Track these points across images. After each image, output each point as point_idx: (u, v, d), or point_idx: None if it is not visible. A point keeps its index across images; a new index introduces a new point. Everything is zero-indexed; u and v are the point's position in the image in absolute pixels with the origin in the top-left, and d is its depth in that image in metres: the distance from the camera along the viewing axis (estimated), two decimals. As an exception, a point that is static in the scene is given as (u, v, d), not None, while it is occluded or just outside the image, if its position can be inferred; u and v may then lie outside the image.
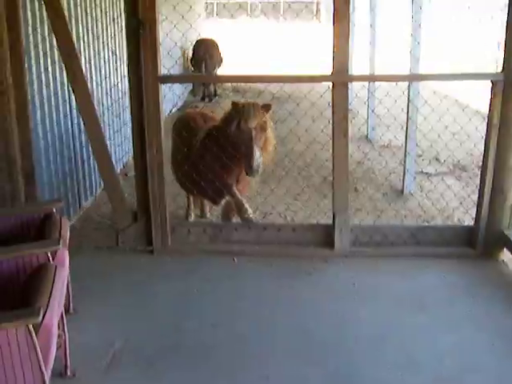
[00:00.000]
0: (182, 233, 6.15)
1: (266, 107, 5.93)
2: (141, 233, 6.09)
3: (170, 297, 5.34)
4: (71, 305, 4.81)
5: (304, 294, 5.39)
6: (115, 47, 9.29)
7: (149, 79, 5.55)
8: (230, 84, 15.14)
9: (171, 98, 12.70)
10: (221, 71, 15.04)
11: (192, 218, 7.59)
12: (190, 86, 15.59)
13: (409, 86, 7.94)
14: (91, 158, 7.03)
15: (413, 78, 7.58)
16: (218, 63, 15.21)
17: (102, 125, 6.04)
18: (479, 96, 8.45)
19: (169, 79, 6.37)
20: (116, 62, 9.14)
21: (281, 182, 8.05)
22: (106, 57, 8.72)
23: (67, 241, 4.31)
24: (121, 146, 9.26)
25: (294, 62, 18.15)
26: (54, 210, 4.57)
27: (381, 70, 10.34)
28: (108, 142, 6.17)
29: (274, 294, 5.40)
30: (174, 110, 13.57)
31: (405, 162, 8.96)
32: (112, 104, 8.61)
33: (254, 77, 6.52)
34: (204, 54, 14.68)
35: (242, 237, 6.16)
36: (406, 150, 8.72)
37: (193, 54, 15.19)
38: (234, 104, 5.93)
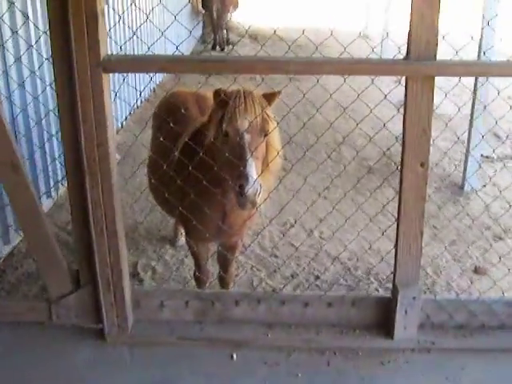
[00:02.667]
0: (150, 307, 3.73)
1: (269, 97, 3.48)
2: (85, 304, 3.69)
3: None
4: None
5: None
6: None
7: (84, 66, 3.03)
8: (245, 29, 12.37)
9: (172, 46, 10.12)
10: (236, 16, 12.18)
11: (179, 241, 5.38)
12: (198, 31, 12.90)
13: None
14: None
15: None
16: (232, 6, 12.37)
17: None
18: None
19: (121, 64, 3.22)
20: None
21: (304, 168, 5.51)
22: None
23: None
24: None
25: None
26: None
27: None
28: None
29: None
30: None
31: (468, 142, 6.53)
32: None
33: (280, 61, 3.19)
34: (216, -7, 11.80)
35: (247, 315, 3.74)
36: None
37: (203, -6, 12.34)
38: (216, 93, 3.41)
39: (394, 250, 4.64)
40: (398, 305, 3.56)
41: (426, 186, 3.37)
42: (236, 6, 12.59)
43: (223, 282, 4.46)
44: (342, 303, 3.71)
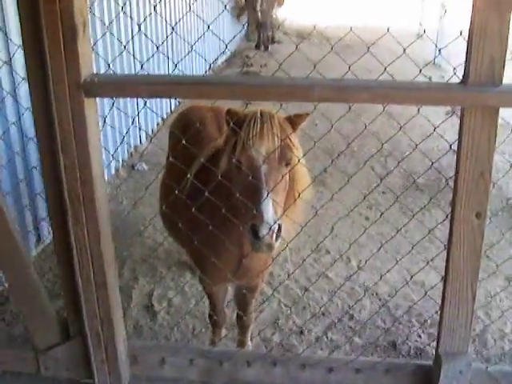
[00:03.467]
0: (150, 363, 3.17)
1: (295, 120, 2.84)
2: (76, 357, 3.15)
3: None
4: None
5: None
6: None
7: (62, 89, 2.46)
8: (293, 26, 11.66)
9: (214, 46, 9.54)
10: (281, 14, 11.47)
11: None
12: (240, 27, 12.22)
13: None
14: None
15: None
16: (277, 3, 11.63)
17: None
18: None
19: (108, 86, 2.57)
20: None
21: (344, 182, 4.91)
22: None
23: None
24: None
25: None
26: None
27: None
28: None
29: None
30: (219, 64, 10.40)
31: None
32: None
33: (301, 86, 2.49)
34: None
35: (260, 378, 3.14)
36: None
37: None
38: (229, 114, 2.80)
39: (440, 284, 4.01)
40: (441, 378, 2.90)
41: (483, 241, 2.70)
42: (281, 3, 11.87)
43: (242, 324, 3.87)
44: (374, 370, 3.07)
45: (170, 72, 8.14)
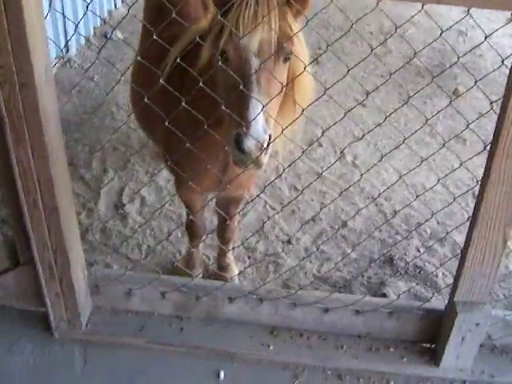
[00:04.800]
0: (114, 294, 2.67)
1: (297, 4, 2.12)
2: (26, 286, 2.62)
3: None
4: None
5: None
6: None
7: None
8: None
9: None
10: None
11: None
12: None
13: None
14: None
15: None
16: None
17: None
18: None
19: None
20: None
21: (339, 63, 4.28)
22: None
23: None
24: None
25: None
26: None
27: None
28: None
29: None
30: None
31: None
32: None
33: None
34: None
35: (244, 316, 2.66)
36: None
37: None
38: None
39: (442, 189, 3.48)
40: (454, 329, 2.44)
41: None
42: None
43: (223, 236, 3.36)
44: (375, 312, 2.60)
45: None
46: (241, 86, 2.03)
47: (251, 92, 2.04)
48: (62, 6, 5.11)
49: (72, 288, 2.51)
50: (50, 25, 4.87)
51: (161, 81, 2.22)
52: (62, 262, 2.43)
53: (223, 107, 2.11)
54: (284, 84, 2.17)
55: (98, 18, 5.83)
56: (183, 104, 2.20)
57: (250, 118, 2.01)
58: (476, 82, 2.25)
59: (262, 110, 2.02)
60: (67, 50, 5.40)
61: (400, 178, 2.60)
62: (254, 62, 2.06)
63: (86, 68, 5.26)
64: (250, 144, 2.00)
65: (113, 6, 6.22)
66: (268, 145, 2.05)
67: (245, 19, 2.05)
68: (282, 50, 2.10)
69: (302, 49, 2.22)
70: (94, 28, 5.83)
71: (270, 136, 2.06)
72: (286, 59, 2.15)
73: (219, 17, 2.07)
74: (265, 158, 2.09)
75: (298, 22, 2.19)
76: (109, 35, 5.80)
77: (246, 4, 2.06)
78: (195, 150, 2.34)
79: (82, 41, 5.64)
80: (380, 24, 6.51)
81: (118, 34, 5.84)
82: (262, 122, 2.02)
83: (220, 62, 2.10)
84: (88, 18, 5.58)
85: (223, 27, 2.11)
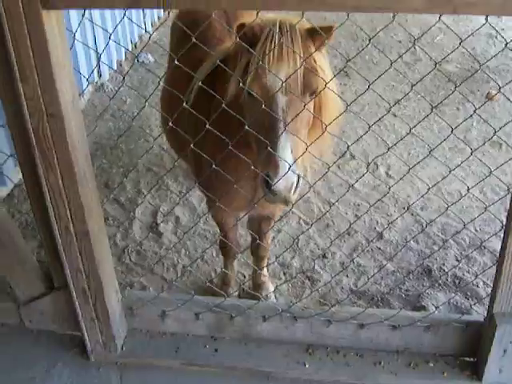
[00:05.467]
0: (149, 317, 2.65)
1: (320, 36, 2.06)
2: (62, 310, 2.62)
3: None
4: None
5: None
6: None
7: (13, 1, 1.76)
8: None
9: None
10: None
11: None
12: None
13: None
14: None
15: None
16: None
17: None
18: None
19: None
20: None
21: (370, 72, 4.24)
22: None
23: None
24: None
25: None
26: None
27: None
28: None
29: None
30: None
31: None
32: None
33: None
34: None
35: (278, 334, 2.62)
36: None
37: None
38: (239, 29, 2.06)
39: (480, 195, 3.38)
40: (495, 342, 2.35)
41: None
42: None
43: (257, 254, 3.32)
44: (412, 326, 2.52)
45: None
46: (268, 124, 2.03)
47: (279, 131, 2.03)
48: (94, 33, 5.19)
49: (106, 311, 2.50)
50: (82, 51, 4.94)
51: (184, 104, 2.20)
52: (95, 286, 2.43)
53: (253, 143, 2.13)
54: (311, 117, 2.16)
55: (130, 43, 5.90)
56: (208, 126, 2.18)
57: (279, 160, 2.01)
58: (507, 83, 2.18)
59: (290, 150, 2.02)
60: (100, 75, 5.47)
61: (432, 186, 2.51)
62: (281, 100, 2.05)
63: (116, 92, 5.30)
64: (279, 186, 2.02)
65: (143, 31, 6.30)
66: (297, 184, 2.06)
67: (270, 58, 2.03)
68: (308, 86, 2.09)
69: (326, 76, 2.18)
70: (126, 52, 5.89)
71: (298, 176, 2.07)
72: (313, 93, 2.13)
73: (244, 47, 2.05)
74: (294, 197, 2.10)
75: (321, 52, 2.17)
76: (140, 59, 5.85)
77: (271, 41, 2.04)
78: (224, 171, 2.32)
79: (115, 65, 5.71)
80: (408, 32, 6.42)
81: (149, 57, 5.90)
82: (291, 161, 2.03)
83: (247, 99, 2.10)
84: (119, 42, 5.64)
85: (249, 62, 2.10)
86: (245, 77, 2.09)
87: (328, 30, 2.05)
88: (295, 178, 2.04)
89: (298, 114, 2.04)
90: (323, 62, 2.15)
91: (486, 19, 1.76)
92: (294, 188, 2.06)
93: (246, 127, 2.09)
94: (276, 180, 2.00)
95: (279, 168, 2.00)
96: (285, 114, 2.04)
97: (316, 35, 2.07)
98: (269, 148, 2.01)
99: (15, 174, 4.05)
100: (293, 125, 2.05)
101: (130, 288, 3.33)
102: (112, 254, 2.57)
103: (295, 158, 2.03)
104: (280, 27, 2.03)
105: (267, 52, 2.03)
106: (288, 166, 2.00)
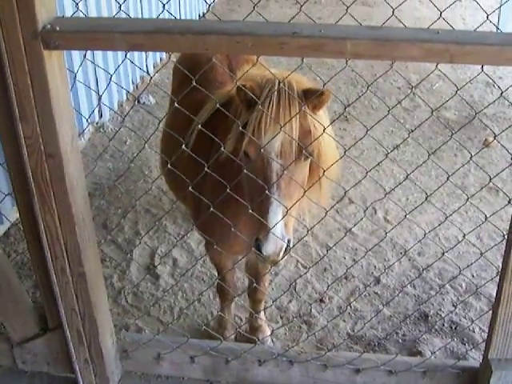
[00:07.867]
0: (144, 359, 2.65)
1: (317, 94, 2.14)
2: (57, 352, 2.62)
3: None
4: None
5: None
6: None
7: (15, 40, 1.81)
8: None
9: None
10: None
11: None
12: None
13: None
14: None
15: None
16: None
17: None
18: None
19: (68, 39, 1.87)
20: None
21: (369, 117, 4.29)
22: None
23: None
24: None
25: None
26: None
27: None
28: None
29: None
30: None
31: None
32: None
33: (331, 39, 1.77)
34: None
35: (273, 377, 2.61)
36: None
37: None
38: (241, 92, 2.15)
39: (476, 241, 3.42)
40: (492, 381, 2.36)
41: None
42: None
43: (254, 297, 3.33)
44: (409, 372, 2.52)
45: (156, 16, 6.92)
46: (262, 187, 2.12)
47: (272, 195, 2.12)
48: (95, 73, 5.27)
49: (101, 353, 2.50)
50: (83, 91, 5.01)
51: (183, 147, 2.25)
52: (90, 327, 2.44)
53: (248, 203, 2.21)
54: (306, 177, 2.25)
55: (131, 83, 6.00)
56: (206, 169, 2.23)
57: (270, 225, 2.11)
58: (503, 131, 2.23)
59: (281, 216, 2.11)
60: (101, 116, 5.54)
61: (429, 231, 2.55)
62: (276, 165, 2.13)
63: (115, 132, 5.36)
64: (268, 250, 2.12)
65: (145, 72, 6.40)
66: (286, 249, 2.16)
67: (266, 123, 2.11)
68: (303, 150, 2.15)
69: (323, 137, 2.23)
70: (127, 93, 5.98)
71: (288, 241, 2.16)
72: (308, 157, 2.18)
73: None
74: (282, 259, 2.20)
75: (317, 113, 2.23)
76: (141, 100, 5.94)
77: (268, 106, 2.12)
78: (223, 214, 2.36)
79: (116, 106, 5.79)
80: (407, 79, 6.53)
81: (151, 99, 5.99)
82: (281, 229, 2.13)
83: (243, 158, 2.21)
84: (121, 83, 5.73)
85: (247, 123, 2.17)
86: (242, 137, 2.15)
87: (322, 94, 2.12)
88: (284, 244, 2.14)
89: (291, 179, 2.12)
90: (321, 119, 2.20)
91: (482, 68, 1.82)
92: (282, 252, 2.15)
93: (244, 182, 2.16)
94: (265, 245, 2.10)
95: (269, 235, 2.09)
96: (278, 183, 2.11)
97: (313, 99, 2.13)
98: (261, 210, 2.11)
99: (12, 213, 4.08)
100: (286, 189, 2.11)
101: (125, 330, 3.32)
102: (108, 295, 2.59)
103: (286, 224, 2.12)
104: (279, 91, 2.10)
105: (263, 116, 2.10)
106: (279, 233, 2.10)
